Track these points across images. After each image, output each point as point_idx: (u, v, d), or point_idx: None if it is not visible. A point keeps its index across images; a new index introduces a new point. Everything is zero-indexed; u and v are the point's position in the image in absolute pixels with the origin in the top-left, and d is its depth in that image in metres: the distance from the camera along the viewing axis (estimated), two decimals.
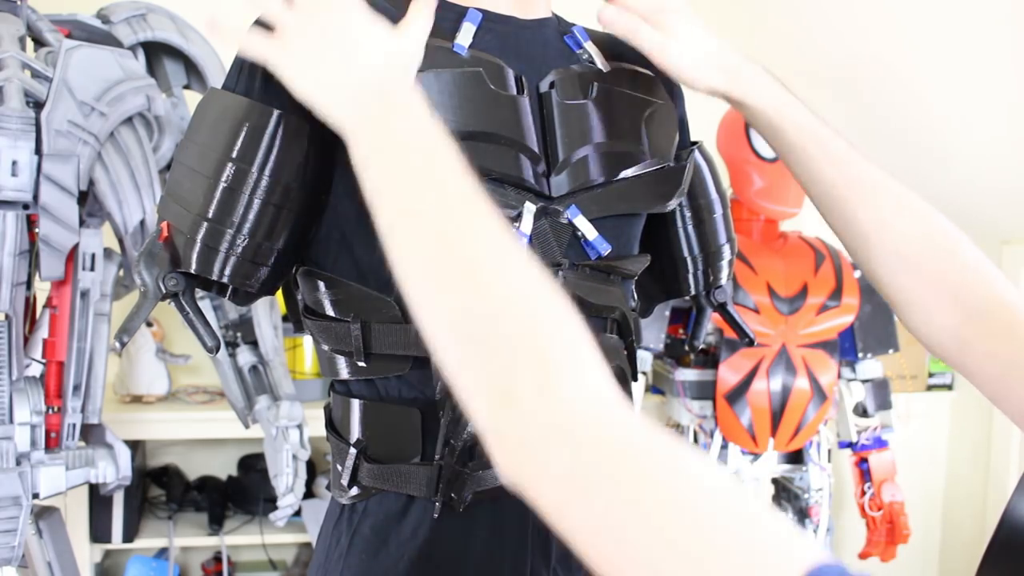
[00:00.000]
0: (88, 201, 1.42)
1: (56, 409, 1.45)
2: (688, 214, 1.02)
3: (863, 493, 2.15)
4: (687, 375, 2.10)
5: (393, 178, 0.65)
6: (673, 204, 0.94)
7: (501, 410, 0.56)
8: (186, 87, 1.71)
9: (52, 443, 1.45)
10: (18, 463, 1.38)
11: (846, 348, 2.13)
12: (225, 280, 0.81)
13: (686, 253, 1.02)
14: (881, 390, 2.20)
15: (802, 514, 2.17)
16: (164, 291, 0.83)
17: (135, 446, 2.20)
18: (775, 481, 2.26)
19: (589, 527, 0.52)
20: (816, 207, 0.92)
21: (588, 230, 0.85)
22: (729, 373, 2.02)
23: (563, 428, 0.54)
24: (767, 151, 2.04)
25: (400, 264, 0.63)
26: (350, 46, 0.72)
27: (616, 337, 0.91)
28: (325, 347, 0.87)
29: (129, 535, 2.30)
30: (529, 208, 0.82)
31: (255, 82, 0.80)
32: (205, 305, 1.74)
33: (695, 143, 1.02)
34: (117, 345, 0.92)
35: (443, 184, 0.64)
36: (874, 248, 0.88)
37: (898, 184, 0.88)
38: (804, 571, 0.46)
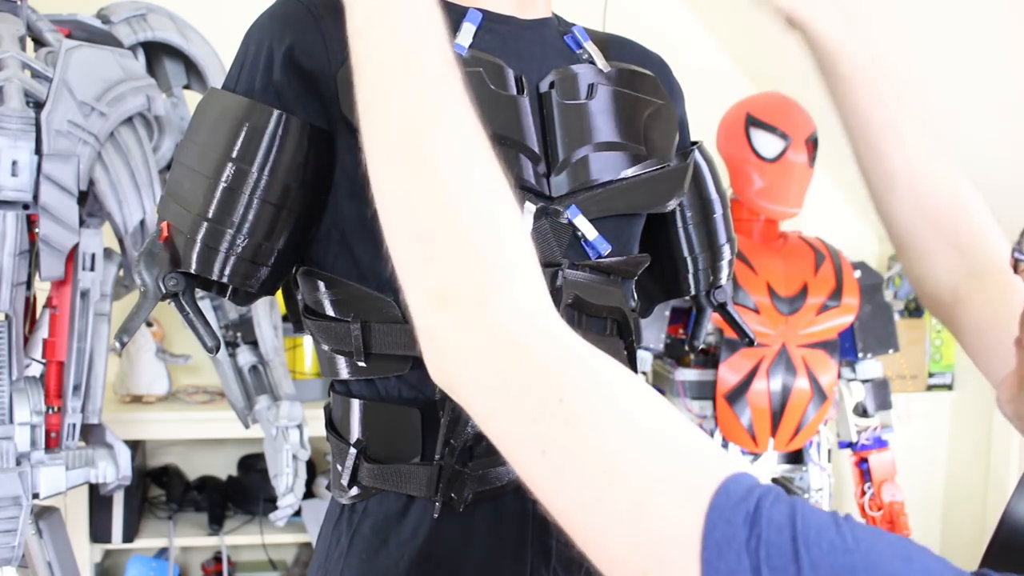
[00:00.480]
0: (88, 201, 1.42)
1: (56, 409, 1.45)
2: (688, 214, 1.02)
3: (863, 493, 2.15)
4: (687, 375, 2.10)
5: (378, 52, 0.63)
6: (673, 204, 0.94)
7: (437, 313, 0.57)
8: (186, 87, 1.71)
9: (52, 443, 1.45)
10: (18, 463, 1.38)
11: (846, 348, 2.13)
12: (225, 280, 0.81)
13: (686, 253, 1.02)
14: (881, 390, 2.20)
15: None
16: (164, 291, 0.83)
17: (135, 446, 2.20)
18: (775, 481, 2.26)
19: (514, 435, 0.54)
20: (850, 140, 0.94)
21: (588, 230, 0.85)
22: (729, 373, 2.02)
23: (495, 340, 0.55)
24: (767, 151, 2.04)
25: (369, 145, 0.62)
26: None
27: (616, 337, 0.91)
28: (325, 347, 0.87)
29: (129, 535, 2.30)
30: (529, 208, 0.82)
31: (255, 82, 0.80)
32: (205, 305, 1.74)
33: (695, 143, 1.02)
34: (117, 345, 0.92)
35: (422, 69, 0.61)
36: (899, 189, 0.90)
37: (934, 140, 0.91)
38: (719, 481, 0.49)
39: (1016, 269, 0.64)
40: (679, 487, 0.50)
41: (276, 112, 0.78)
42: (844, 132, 0.94)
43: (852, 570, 0.47)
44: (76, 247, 1.41)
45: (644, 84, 0.93)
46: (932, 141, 0.91)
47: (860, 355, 2.13)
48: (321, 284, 0.85)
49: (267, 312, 1.76)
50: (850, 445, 2.18)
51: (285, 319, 1.76)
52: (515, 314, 0.56)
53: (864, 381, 2.18)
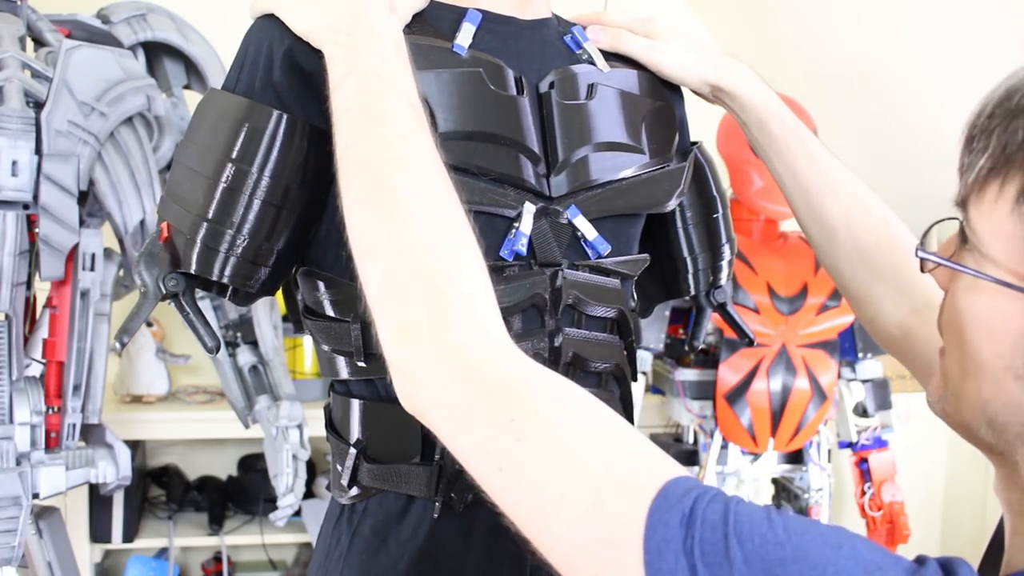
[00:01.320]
0: (88, 201, 1.42)
1: (56, 409, 1.45)
2: (688, 214, 1.02)
3: (863, 493, 2.15)
4: (687, 375, 2.10)
5: (352, 103, 0.70)
6: (673, 204, 0.94)
7: (400, 345, 0.62)
8: (186, 87, 1.71)
9: (52, 443, 1.45)
10: (18, 463, 1.38)
11: (846, 348, 2.13)
12: (225, 280, 0.81)
13: (686, 253, 1.02)
14: (881, 390, 2.20)
15: (802, 514, 2.17)
16: (164, 291, 0.83)
17: (135, 446, 2.20)
18: (775, 481, 2.26)
19: (473, 453, 0.59)
20: (788, 200, 0.98)
21: (588, 230, 0.85)
22: (729, 373, 2.02)
23: (451, 369, 0.60)
24: None
25: (346, 191, 0.68)
26: None
27: (616, 337, 0.91)
28: (325, 347, 0.87)
29: (129, 535, 2.30)
30: (529, 208, 0.82)
31: (255, 82, 0.80)
32: (205, 305, 1.74)
33: (695, 143, 1.02)
34: (117, 345, 0.91)
35: (391, 119, 0.69)
36: (840, 242, 0.94)
37: (863, 184, 0.95)
38: (659, 485, 0.52)
39: (923, 268, 0.66)
40: (622, 494, 0.53)
41: (276, 113, 0.78)
42: (783, 192, 0.98)
43: (782, 562, 0.49)
44: (76, 247, 1.41)
45: (644, 84, 0.93)
46: (863, 185, 0.95)
47: (860, 355, 2.13)
48: (321, 284, 0.85)
49: (267, 312, 1.76)
50: (850, 445, 2.18)
51: (285, 319, 1.76)
52: (470, 343, 0.60)
53: (864, 381, 2.18)
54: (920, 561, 0.51)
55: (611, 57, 0.92)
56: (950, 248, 0.64)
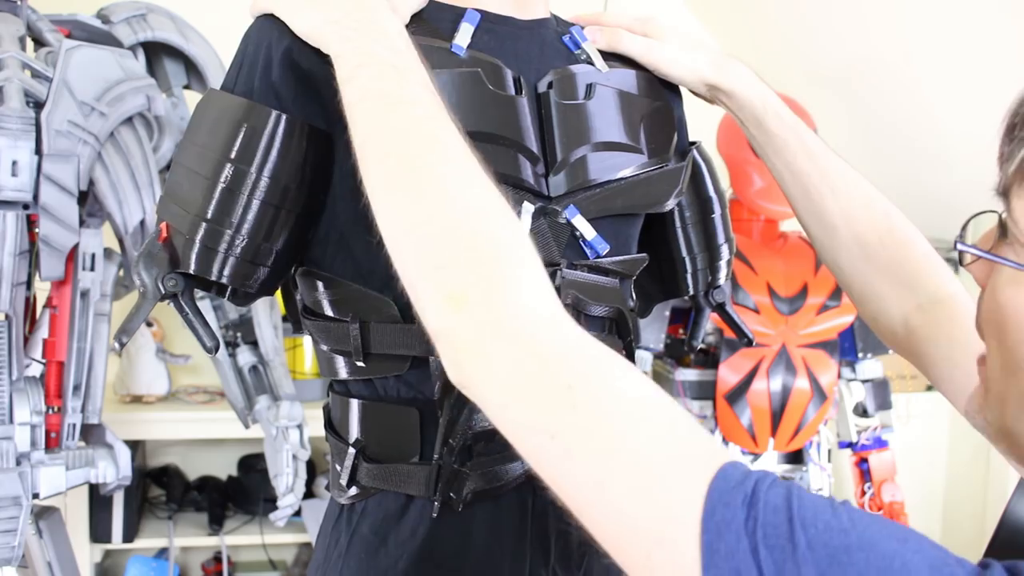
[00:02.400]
0: (88, 201, 1.42)
1: (56, 409, 1.45)
2: (686, 214, 1.02)
3: (863, 493, 2.15)
4: (687, 375, 2.10)
5: (369, 91, 0.69)
6: (671, 204, 0.94)
7: (451, 314, 0.60)
8: (186, 87, 1.71)
9: (52, 443, 1.45)
10: (18, 463, 1.38)
11: (846, 348, 2.13)
12: (224, 281, 0.81)
13: (684, 253, 1.02)
14: (881, 390, 2.19)
15: None
16: (163, 291, 0.83)
17: (135, 446, 2.20)
18: None
19: (525, 423, 0.57)
20: (788, 197, 0.97)
21: (586, 230, 0.85)
22: (729, 373, 2.02)
23: (506, 336, 0.58)
24: None
25: (369, 177, 0.67)
26: None
27: (615, 337, 0.91)
28: (324, 347, 0.87)
29: (129, 535, 2.30)
30: (528, 208, 0.82)
31: (254, 82, 0.80)
32: (205, 305, 1.74)
33: (693, 143, 1.02)
34: (117, 345, 0.91)
35: (412, 105, 0.68)
36: (841, 238, 0.93)
37: (864, 179, 0.94)
38: (718, 465, 0.52)
39: (962, 262, 0.64)
40: (680, 470, 0.52)
41: (275, 113, 0.78)
42: (783, 189, 0.97)
43: (847, 549, 0.48)
44: (76, 247, 1.41)
45: (642, 84, 0.93)
46: (863, 180, 0.94)
47: (860, 355, 2.13)
48: (320, 284, 0.85)
49: (267, 312, 1.76)
50: (850, 445, 2.18)
51: (285, 319, 1.76)
52: (523, 310, 0.59)
53: (864, 381, 2.18)
54: (985, 565, 0.49)
55: (610, 57, 0.92)
56: (989, 241, 0.62)
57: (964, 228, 0.65)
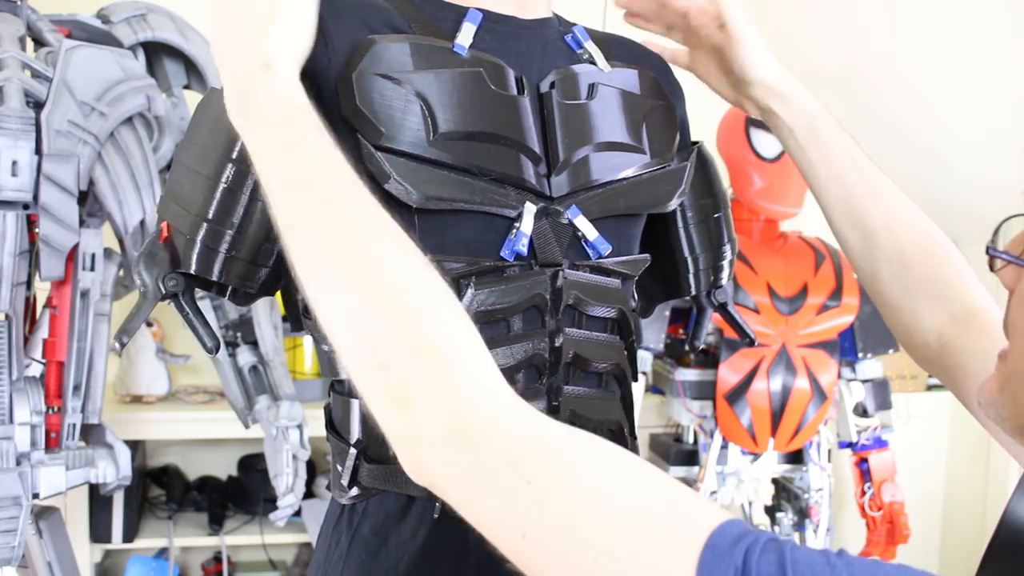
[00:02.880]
0: (88, 201, 1.42)
1: (56, 409, 1.45)
2: (689, 214, 1.02)
3: (863, 493, 2.15)
4: (687, 375, 2.10)
5: (272, 181, 0.66)
6: (673, 204, 0.94)
7: (399, 414, 0.58)
8: (186, 87, 1.71)
9: (52, 443, 1.45)
10: (18, 463, 1.38)
11: (846, 348, 2.13)
12: (225, 281, 0.81)
13: (686, 253, 1.02)
14: (881, 390, 2.19)
15: (802, 514, 2.17)
16: (164, 291, 0.83)
17: (135, 446, 2.20)
18: (775, 481, 2.26)
19: (493, 521, 0.55)
20: (826, 206, 0.96)
21: (588, 230, 0.85)
22: (729, 373, 2.02)
23: (456, 435, 0.55)
24: (767, 151, 2.04)
25: (299, 269, 0.64)
26: (225, 47, 0.72)
27: (616, 337, 0.91)
28: (325, 347, 0.87)
29: (129, 535, 2.30)
30: (530, 208, 0.82)
31: None
32: (205, 305, 1.74)
33: (695, 143, 1.02)
34: (117, 345, 0.91)
35: (313, 184, 0.64)
36: (881, 247, 0.93)
37: (904, 194, 0.94)
38: (705, 536, 0.48)
39: (992, 267, 0.64)
40: (664, 550, 0.49)
41: None
42: (819, 196, 0.97)
43: None
44: (76, 247, 1.41)
45: (644, 84, 0.93)
46: (902, 193, 0.94)
47: (860, 355, 2.13)
48: None
49: (267, 312, 1.76)
50: (850, 445, 2.18)
51: (285, 319, 1.76)
52: (474, 404, 0.56)
53: (864, 381, 2.18)
54: None
55: (612, 57, 0.92)
56: (1018, 246, 0.62)
57: (996, 232, 0.64)
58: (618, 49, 0.95)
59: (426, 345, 0.58)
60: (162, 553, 2.42)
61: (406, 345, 0.58)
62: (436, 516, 0.84)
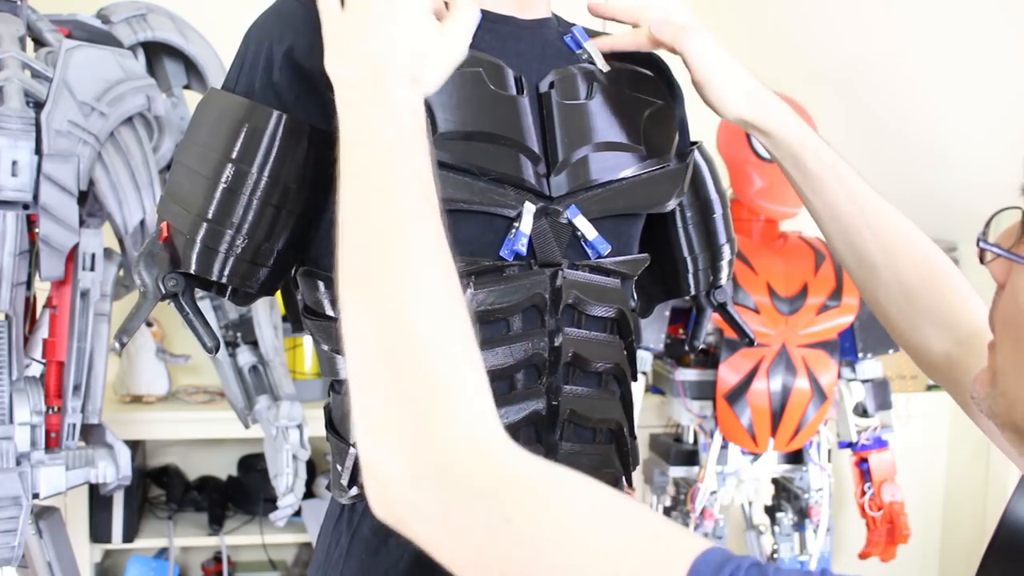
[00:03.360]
0: (88, 201, 1.42)
1: (56, 409, 1.45)
2: (688, 214, 1.02)
3: (863, 493, 2.15)
4: (687, 375, 2.10)
5: (357, 173, 0.65)
6: (673, 204, 0.94)
7: (375, 446, 0.56)
8: (186, 87, 1.71)
9: (52, 443, 1.45)
10: (18, 463, 1.38)
11: (846, 348, 2.12)
12: (225, 281, 0.81)
13: (686, 253, 1.02)
14: (881, 390, 2.19)
15: (802, 514, 2.17)
16: (164, 291, 0.83)
17: (135, 446, 2.20)
18: (775, 481, 2.26)
19: (468, 562, 0.53)
20: (826, 235, 0.95)
21: (588, 230, 0.85)
22: (729, 373, 2.02)
23: (433, 468, 0.54)
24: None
25: (340, 263, 0.63)
26: (386, 36, 0.70)
27: (616, 337, 0.91)
28: (325, 347, 0.87)
29: (129, 535, 2.30)
30: (529, 208, 0.82)
31: (255, 82, 0.80)
32: (205, 305, 1.74)
33: (695, 143, 1.02)
34: (117, 345, 0.92)
35: (396, 195, 0.63)
36: (882, 278, 0.92)
37: (903, 217, 0.93)
38: (690, 562, 0.48)
39: (982, 260, 0.63)
40: None
41: (276, 113, 0.78)
42: (819, 228, 0.95)
43: None
44: (76, 247, 1.41)
45: (644, 84, 0.93)
46: (902, 217, 0.93)
47: (860, 355, 2.13)
48: (321, 284, 0.85)
49: (267, 312, 1.76)
50: (850, 445, 2.17)
51: (285, 319, 1.76)
52: (456, 445, 0.55)
53: (864, 381, 2.18)
54: None
55: (611, 57, 0.92)
56: (1010, 239, 0.61)
57: (987, 225, 0.63)
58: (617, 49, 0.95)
59: (420, 378, 0.57)
60: (162, 553, 2.42)
61: (400, 373, 0.57)
62: None
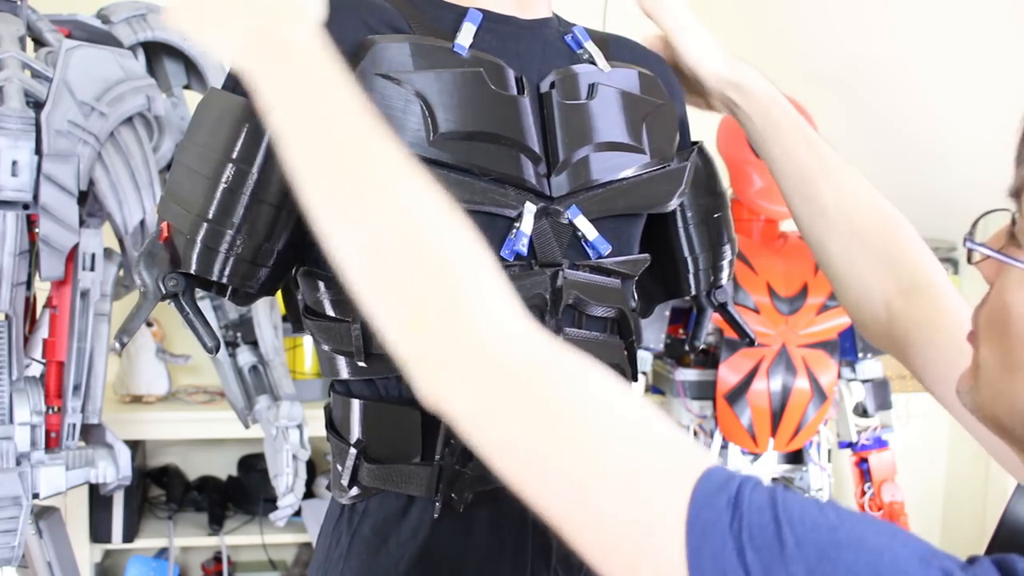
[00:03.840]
0: (88, 201, 1.42)
1: (56, 409, 1.45)
2: (688, 214, 1.02)
3: (863, 493, 2.15)
4: (687, 375, 2.10)
5: (293, 120, 0.64)
6: (673, 204, 0.94)
7: (413, 336, 0.58)
8: (186, 87, 1.71)
9: (52, 443, 1.45)
10: (18, 463, 1.38)
11: (846, 348, 2.13)
12: (225, 281, 0.81)
13: (686, 253, 1.02)
14: (881, 390, 2.19)
15: None
16: (164, 291, 0.83)
17: (135, 446, 2.20)
18: (775, 481, 2.26)
19: (500, 442, 0.56)
20: (782, 185, 0.98)
21: (588, 230, 0.85)
22: (729, 373, 2.02)
23: (475, 353, 0.57)
24: None
25: (310, 207, 0.63)
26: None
27: (616, 337, 0.91)
28: (325, 347, 0.87)
29: (129, 535, 2.30)
30: (530, 208, 0.82)
31: None
32: (205, 305, 1.73)
33: (695, 143, 1.02)
34: (117, 345, 0.92)
35: (340, 121, 0.63)
36: (831, 221, 0.94)
37: (853, 167, 0.96)
38: (700, 469, 0.51)
39: (970, 259, 0.64)
40: (661, 477, 0.52)
41: None
42: (776, 176, 0.99)
43: (836, 545, 0.48)
44: (76, 247, 1.40)
45: (644, 84, 0.93)
46: (853, 168, 0.96)
47: (860, 355, 2.13)
48: (321, 284, 0.85)
49: (267, 312, 1.75)
50: (850, 445, 2.18)
51: (285, 319, 1.76)
52: (490, 326, 0.57)
53: (864, 381, 2.18)
54: (972, 560, 0.51)
55: (612, 57, 0.92)
56: (999, 241, 0.62)
57: (974, 226, 0.64)
58: (618, 49, 0.95)
59: (448, 267, 0.59)
60: (162, 553, 2.42)
61: (426, 266, 0.59)
62: (436, 516, 0.84)
